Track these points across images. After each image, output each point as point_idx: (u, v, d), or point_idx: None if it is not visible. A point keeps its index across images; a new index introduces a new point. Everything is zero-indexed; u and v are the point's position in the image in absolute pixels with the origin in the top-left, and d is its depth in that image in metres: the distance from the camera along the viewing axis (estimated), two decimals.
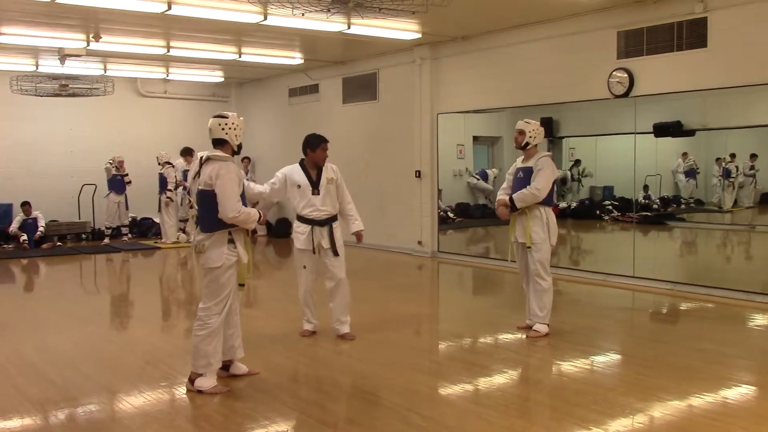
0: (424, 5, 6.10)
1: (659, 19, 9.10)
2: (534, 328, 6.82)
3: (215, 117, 5.31)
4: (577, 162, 12.53)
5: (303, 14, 6.49)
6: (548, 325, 6.83)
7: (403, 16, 6.56)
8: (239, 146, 5.31)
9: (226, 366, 5.55)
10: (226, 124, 5.24)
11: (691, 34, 8.79)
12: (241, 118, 5.39)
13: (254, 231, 5.61)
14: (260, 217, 5.28)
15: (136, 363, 6.12)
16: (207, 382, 5.20)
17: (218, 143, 5.27)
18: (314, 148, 6.66)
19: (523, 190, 6.72)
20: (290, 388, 5.42)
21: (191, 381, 5.25)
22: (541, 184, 6.66)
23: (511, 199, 6.77)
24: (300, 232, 6.64)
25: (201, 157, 5.30)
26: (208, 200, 5.16)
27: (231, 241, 5.17)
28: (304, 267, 6.74)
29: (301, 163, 6.71)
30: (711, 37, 8.62)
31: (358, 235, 6.84)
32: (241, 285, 5.37)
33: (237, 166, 5.27)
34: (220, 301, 5.19)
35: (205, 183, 5.16)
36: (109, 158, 14.82)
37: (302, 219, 6.64)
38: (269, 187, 6.67)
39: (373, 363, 6.11)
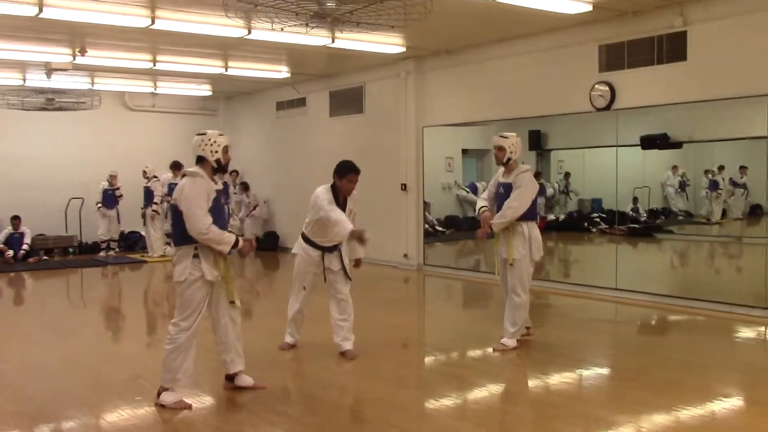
0: (403, 19, 6.14)
1: (640, 33, 9.18)
2: (502, 341, 6.80)
3: (197, 135, 5.36)
4: (567, 174, 12.58)
5: (282, 29, 6.50)
6: (518, 340, 6.83)
7: (383, 30, 6.60)
8: (218, 162, 5.29)
9: (230, 378, 5.59)
10: (203, 141, 5.28)
11: (671, 48, 8.87)
12: (222, 135, 5.39)
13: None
14: (236, 243, 5.22)
15: (116, 377, 6.10)
16: (170, 397, 5.21)
17: (199, 160, 5.31)
18: (341, 177, 6.42)
19: (500, 214, 6.73)
20: (270, 402, 5.39)
21: (158, 394, 5.27)
22: (518, 201, 6.64)
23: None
24: (311, 256, 6.60)
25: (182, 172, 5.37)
26: (175, 215, 5.19)
27: (196, 257, 5.13)
28: (304, 288, 6.75)
29: (333, 188, 6.48)
30: (691, 50, 8.71)
31: (359, 262, 6.84)
32: (232, 302, 5.36)
33: (207, 181, 5.21)
34: (187, 316, 5.17)
35: (174, 198, 5.21)
36: (98, 173, 14.86)
37: (312, 243, 6.58)
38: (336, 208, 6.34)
39: (356, 376, 6.11)
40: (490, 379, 6.00)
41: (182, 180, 5.23)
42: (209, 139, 5.28)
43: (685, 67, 8.76)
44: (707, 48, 8.58)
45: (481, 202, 7.09)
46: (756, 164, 8.95)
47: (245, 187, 16.35)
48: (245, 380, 5.62)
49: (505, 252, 6.83)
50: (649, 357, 6.68)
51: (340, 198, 6.48)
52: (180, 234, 5.16)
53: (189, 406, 5.20)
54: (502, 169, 6.94)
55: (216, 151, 5.27)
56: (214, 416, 5.21)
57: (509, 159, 6.78)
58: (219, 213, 5.21)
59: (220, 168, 5.33)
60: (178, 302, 5.22)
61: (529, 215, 6.75)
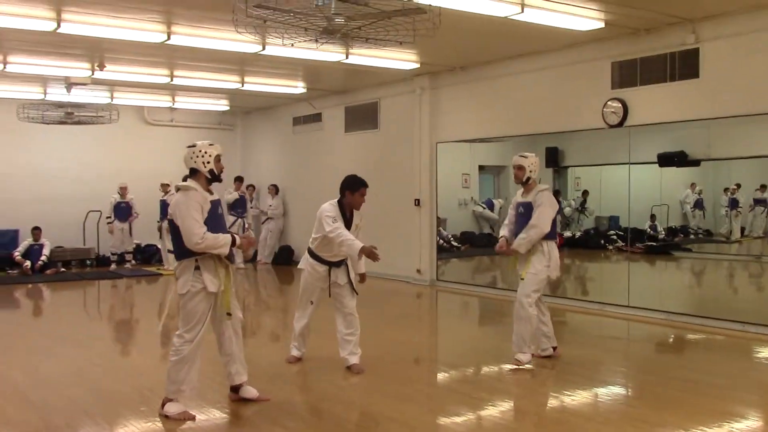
0: (411, 35, 6.17)
1: (652, 50, 9.17)
2: (516, 357, 6.74)
3: (187, 147, 5.38)
4: (585, 192, 12.53)
5: (293, 44, 6.56)
6: (532, 354, 6.79)
7: (391, 46, 6.63)
8: (211, 172, 5.30)
9: (235, 389, 5.62)
10: (194, 153, 5.30)
11: (684, 65, 8.84)
12: (213, 145, 5.39)
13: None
14: (234, 241, 5.25)
15: (122, 389, 6.14)
16: (174, 408, 5.25)
17: (192, 173, 5.33)
18: (353, 191, 6.48)
19: (522, 235, 6.71)
20: (274, 415, 5.40)
21: (162, 405, 5.30)
22: (540, 220, 6.64)
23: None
24: (318, 271, 6.64)
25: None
26: (173, 229, 5.24)
27: (197, 269, 5.16)
28: (311, 303, 6.79)
29: (340, 203, 6.53)
30: (703, 67, 8.68)
31: (363, 277, 6.83)
32: (228, 314, 5.36)
33: (200, 193, 5.22)
34: (190, 328, 5.21)
35: (170, 213, 5.26)
36: (116, 186, 15.04)
37: (319, 259, 6.61)
38: (341, 225, 6.39)
39: (364, 391, 6.11)
40: (500, 397, 5.96)
41: (176, 195, 5.28)
42: (200, 151, 5.30)
43: (698, 84, 8.73)
44: (720, 65, 8.54)
45: (503, 230, 7.11)
46: None
47: (276, 190, 16.44)
48: (250, 392, 5.64)
49: (522, 269, 6.81)
50: (662, 376, 6.60)
51: (347, 213, 6.52)
52: (180, 248, 5.20)
53: (192, 417, 5.23)
54: (520, 190, 6.95)
55: (208, 162, 5.29)
56: (218, 428, 5.23)
57: (528, 178, 6.80)
58: (216, 224, 5.23)
59: (214, 178, 5.34)
60: (182, 314, 5.26)
61: (549, 234, 6.74)
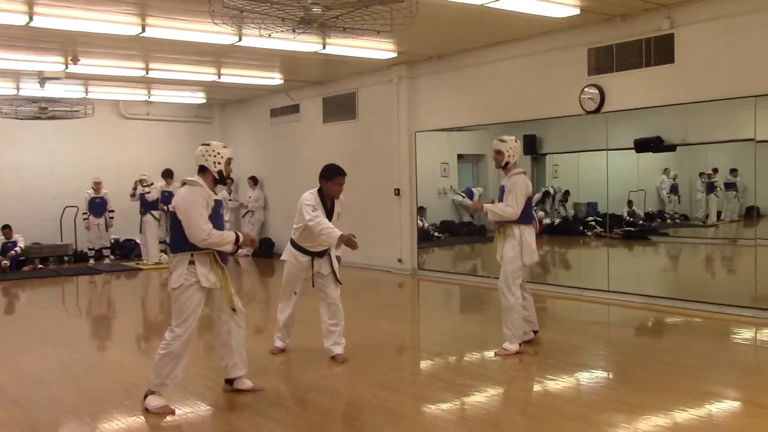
0: (388, 24, 6.18)
1: (628, 36, 9.23)
2: (503, 345, 6.76)
3: (201, 144, 5.45)
4: (567, 193, 12.57)
5: (270, 35, 6.53)
6: (520, 343, 6.77)
7: (369, 36, 6.63)
8: (220, 173, 5.37)
9: (230, 381, 5.65)
10: (207, 152, 5.37)
11: (659, 51, 8.92)
12: (226, 148, 5.48)
13: (236, 251, 5.64)
14: (238, 238, 5.31)
15: (105, 385, 6.10)
16: (155, 401, 5.25)
17: (201, 170, 5.39)
18: (328, 180, 6.48)
19: (497, 204, 6.78)
20: (259, 406, 5.40)
21: (144, 397, 5.31)
22: (510, 204, 6.63)
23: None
24: (301, 261, 6.64)
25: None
26: (174, 223, 5.27)
27: (192, 263, 5.20)
28: (295, 293, 6.81)
29: (320, 192, 6.53)
30: (678, 53, 8.76)
31: (339, 259, 6.83)
32: (233, 309, 5.41)
33: (207, 190, 5.28)
34: (181, 322, 5.22)
35: (173, 206, 5.29)
36: (91, 182, 14.90)
37: (302, 249, 6.61)
38: (321, 214, 6.39)
39: (348, 381, 6.13)
40: (483, 383, 5.99)
41: (182, 189, 5.31)
42: (213, 150, 5.38)
43: (673, 69, 8.81)
44: (694, 50, 8.63)
45: None
46: (749, 166, 8.98)
47: (255, 182, 16.38)
48: (245, 383, 5.68)
49: (500, 254, 6.85)
50: (642, 358, 6.69)
51: (327, 202, 6.52)
52: (177, 241, 5.24)
53: (172, 411, 5.23)
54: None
55: (219, 163, 5.37)
56: (202, 420, 5.25)
57: (507, 163, 6.78)
58: (217, 223, 5.29)
59: (221, 180, 5.42)
60: (174, 308, 5.27)
61: (523, 219, 6.72)
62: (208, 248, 5.19)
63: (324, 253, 6.64)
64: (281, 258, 6.93)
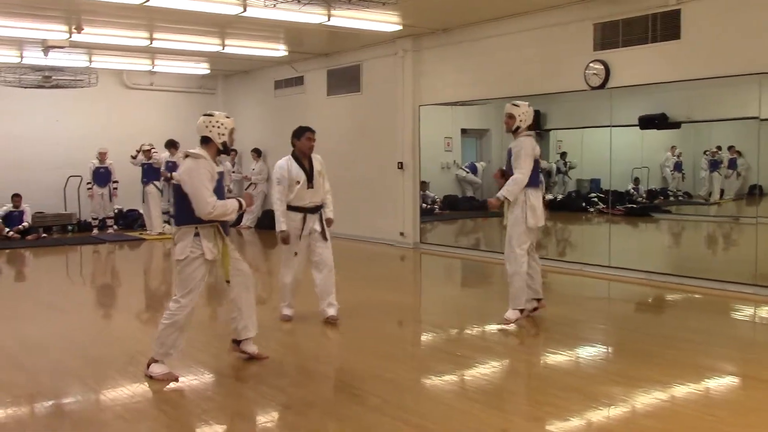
0: None
1: (634, 11, 9.17)
2: (505, 315, 6.80)
3: (203, 115, 5.44)
4: (564, 154, 12.57)
5: (275, 5, 6.51)
6: (520, 311, 6.80)
7: (374, 7, 6.60)
8: (224, 144, 5.37)
9: (237, 342, 5.71)
10: (209, 122, 5.36)
11: (665, 26, 8.86)
12: (229, 118, 5.46)
13: (239, 221, 5.74)
14: (241, 205, 5.34)
15: (109, 352, 6.17)
16: (158, 369, 5.31)
17: (204, 141, 5.38)
18: (299, 137, 6.89)
19: (507, 184, 6.70)
20: (266, 377, 5.44)
21: (147, 365, 5.37)
22: (518, 171, 6.59)
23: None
24: (294, 219, 6.83)
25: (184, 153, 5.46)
26: (179, 195, 5.30)
27: (197, 235, 5.21)
28: (296, 254, 6.91)
29: (294, 155, 6.87)
30: (684, 28, 8.70)
31: (329, 221, 7.04)
32: (227, 282, 5.44)
33: (210, 162, 5.27)
34: (186, 293, 5.25)
35: (178, 178, 5.31)
36: (96, 151, 14.90)
37: (294, 208, 6.83)
38: (281, 191, 6.81)
39: (352, 352, 6.19)
40: (485, 355, 6.03)
41: (186, 161, 5.29)
42: (217, 121, 5.36)
43: (679, 45, 8.76)
44: (700, 26, 8.57)
45: None
46: (753, 145, 8.97)
47: (259, 154, 16.33)
48: (251, 348, 5.74)
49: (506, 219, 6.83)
50: (641, 333, 6.74)
51: (305, 163, 6.81)
52: (182, 213, 5.27)
53: (176, 378, 5.29)
54: None
55: (223, 134, 5.36)
56: (204, 387, 5.32)
57: (518, 127, 6.76)
58: (220, 195, 5.30)
59: (225, 150, 5.43)
60: (179, 280, 5.30)
61: (528, 182, 6.66)
62: (213, 220, 5.21)
63: (315, 210, 6.89)
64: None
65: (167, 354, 5.32)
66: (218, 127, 5.34)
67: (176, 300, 5.29)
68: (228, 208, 5.25)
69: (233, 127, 5.45)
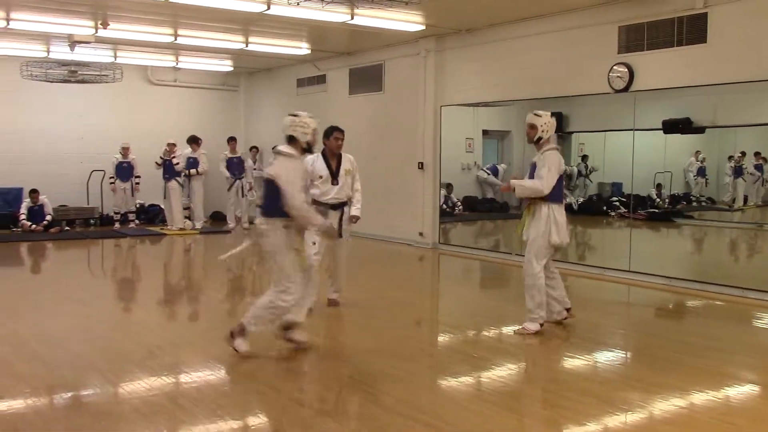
0: None
1: (660, 14, 9.09)
2: (524, 324, 6.64)
3: (288, 115, 5.74)
4: (585, 158, 12.49)
5: (298, 3, 6.52)
6: (541, 324, 6.60)
7: (397, 7, 6.60)
8: (308, 144, 5.68)
9: (286, 327, 5.89)
10: (295, 122, 5.68)
11: (691, 30, 8.78)
12: (312, 118, 5.73)
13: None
14: (319, 225, 5.75)
15: (129, 346, 6.21)
16: (244, 346, 5.68)
17: (290, 140, 5.68)
18: (328, 136, 7.19)
19: (526, 180, 6.62)
20: (283, 374, 5.47)
21: (231, 336, 5.69)
22: (542, 180, 6.42)
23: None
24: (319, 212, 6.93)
25: (273, 148, 5.80)
26: (270, 189, 5.57)
27: (286, 227, 5.54)
28: (314, 243, 6.89)
29: (323, 153, 7.18)
30: (711, 32, 8.61)
31: (354, 218, 7.32)
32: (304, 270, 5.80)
33: (302, 161, 5.73)
34: (289, 277, 5.56)
35: (272, 174, 5.57)
36: (119, 146, 15.02)
37: (318, 203, 7.02)
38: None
39: (368, 351, 6.17)
40: (502, 357, 6.01)
41: (279, 159, 5.61)
42: (302, 122, 5.68)
43: (705, 49, 8.67)
44: (727, 31, 8.48)
45: None
46: None
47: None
48: (299, 335, 5.93)
49: (527, 233, 6.69)
50: (661, 339, 6.69)
51: (333, 163, 7.06)
52: (271, 206, 5.56)
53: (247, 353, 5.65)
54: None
55: (307, 133, 5.66)
56: (221, 382, 5.34)
57: (540, 138, 6.55)
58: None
59: (309, 149, 5.76)
60: (274, 270, 5.63)
61: (554, 197, 6.50)
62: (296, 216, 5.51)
63: (337, 207, 7.14)
64: None
65: (251, 331, 5.65)
66: (303, 127, 5.66)
67: (285, 290, 5.55)
68: (312, 217, 5.64)
69: (315, 127, 5.73)
